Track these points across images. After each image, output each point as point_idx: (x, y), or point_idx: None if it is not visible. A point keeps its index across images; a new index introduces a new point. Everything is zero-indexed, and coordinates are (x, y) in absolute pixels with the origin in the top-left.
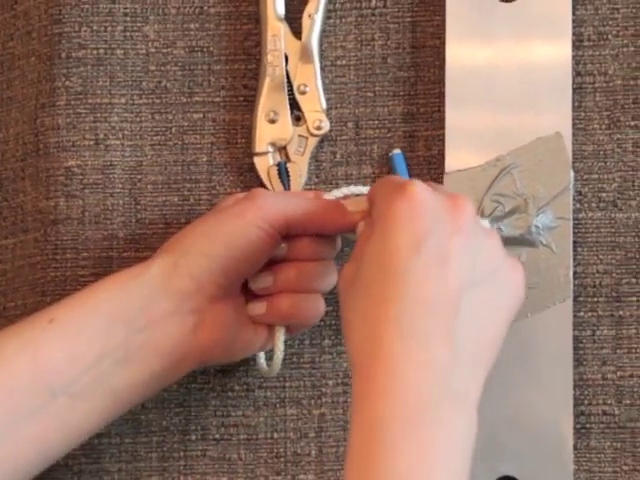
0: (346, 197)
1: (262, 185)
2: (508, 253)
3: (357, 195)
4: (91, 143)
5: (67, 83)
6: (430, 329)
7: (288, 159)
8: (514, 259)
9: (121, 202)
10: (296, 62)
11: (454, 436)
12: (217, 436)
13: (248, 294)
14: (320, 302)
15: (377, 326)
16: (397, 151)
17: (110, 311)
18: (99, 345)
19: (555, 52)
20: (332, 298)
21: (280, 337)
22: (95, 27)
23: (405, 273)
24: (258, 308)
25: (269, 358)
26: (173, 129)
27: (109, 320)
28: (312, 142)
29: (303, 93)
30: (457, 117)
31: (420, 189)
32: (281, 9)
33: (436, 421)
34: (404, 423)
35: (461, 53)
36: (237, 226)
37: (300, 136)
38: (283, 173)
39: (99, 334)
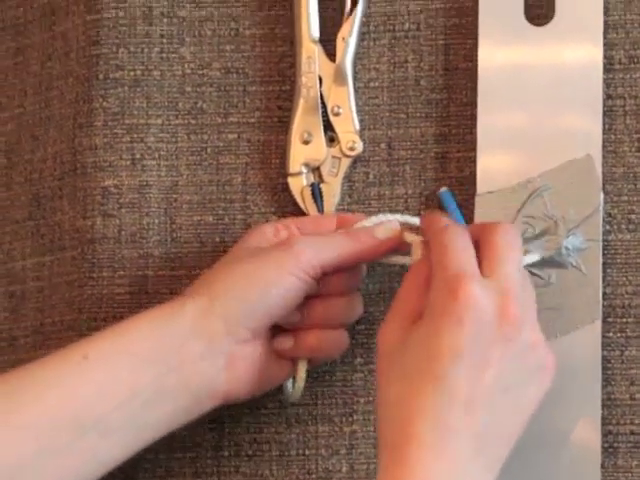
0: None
1: (296, 206)
2: (545, 344)
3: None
4: (128, 163)
5: (104, 104)
6: (460, 426)
7: (321, 180)
8: (548, 350)
9: (157, 221)
10: (330, 84)
11: None
12: (249, 452)
13: (274, 328)
14: (344, 337)
15: (411, 414)
16: (444, 189)
17: (142, 351)
18: (130, 384)
19: (587, 77)
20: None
21: (303, 368)
22: (132, 49)
23: (445, 374)
24: (286, 343)
25: (292, 386)
26: (208, 149)
27: (141, 360)
28: (345, 163)
29: (337, 114)
30: (489, 139)
31: (472, 293)
32: (315, 32)
33: None
34: None
35: (493, 76)
36: (274, 275)
37: (334, 157)
38: (317, 194)
39: (131, 373)
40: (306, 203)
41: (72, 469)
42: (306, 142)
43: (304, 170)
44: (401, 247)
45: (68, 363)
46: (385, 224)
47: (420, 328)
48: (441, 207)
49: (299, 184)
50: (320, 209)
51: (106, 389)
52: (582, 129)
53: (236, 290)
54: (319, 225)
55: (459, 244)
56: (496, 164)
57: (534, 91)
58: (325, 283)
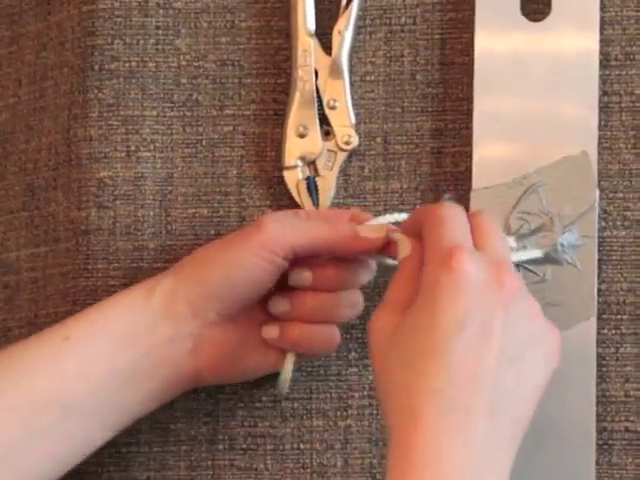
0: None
1: (291, 199)
2: (545, 319)
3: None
4: (123, 155)
5: (100, 95)
6: (471, 404)
7: (317, 173)
8: (552, 326)
9: (151, 213)
10: (326, 77)
11: None
12: (244, 446)
13: (268, 315)
14: (334, 334)
15: (417, 399)
16: (447, 196)
17: (119, 334)
18: (109, 365)
19: (583, 73)
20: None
21: (289, 361)
22: (128, 40)
23: (448, 350)
24: (271, 331)
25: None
26: (203, 142)
27: (118, 343)
28: (341, 157)
29: (332, 108)
30: (485, 134)
31: (467, 263)
32: (311, 25)
33: None
34: None
35: (489, 71)
36: (236, 255)
37: (329, 151)
38: (312, 187)
39: (110, 356)
40: (301, 197)
41: (57, 451)
42: (302, 135)
43: (300, 163)
44: (391, 251)
45: (50, 345)
46: (374, 224)
47: (415, 309)
48: None
49: (294, 177)
50: (315, 203)
51: (87, 370)
52: (578, 125)
53: (199, 272)
54: (333, 219)
55: (454, 218)
56: (492, 159)
57: (530, 86)
58: (317, 276)
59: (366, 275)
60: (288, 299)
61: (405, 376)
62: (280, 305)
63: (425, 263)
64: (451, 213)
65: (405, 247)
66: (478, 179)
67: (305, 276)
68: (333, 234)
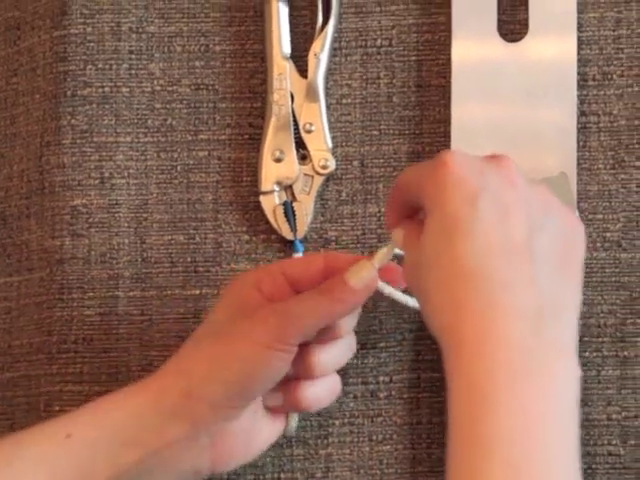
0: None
1: (267, 224)
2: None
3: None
4: (96, 182)
5: (72, 121)
6: (510, 276)
7: (294, 198)
8: (567, 208)
9: (127, 241)
10: (302, 101)
11: (557, 386)
12: (224, 476)
13: None
14: (337, 383)
15: (454, 287)
16: None
17: (124, 434)
18: (113, 465)
19: (560, 94)
20: None
21: (293, 421)
22: (100, 65)
23: (471, 229)
24: (275, 400)
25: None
26: (178, 167)
27: (123, 442)
28: (318, 181)
29: (309, 132)
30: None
31: (456, 154)
32: (287, 48)
33: (535, 373)
34: (503, 380)
35: (467, 93)
36: (249, 352)
37: (306, 175)
38: (289, 212)
39: (114, 455)
40: (278, 222)
41: None
42: (278, 160)
43: (276, 188)
44: (388, 278)
45: (53, 441)
46: (356, 264)
47: (427, 226)
48: None
49: (271, 203)
50: (293, 228)
51: (89, 471)
52: (557, 144)
53: (215, 372)
54: (307, 268)
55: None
56: None
57: (507, 106)
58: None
59: (353, 321)
60: (280, 392)
61: (437, 274)
62: (275, 399)
63: (421, 181)
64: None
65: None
66: None
67: (277, 397)
68: (334, 305)
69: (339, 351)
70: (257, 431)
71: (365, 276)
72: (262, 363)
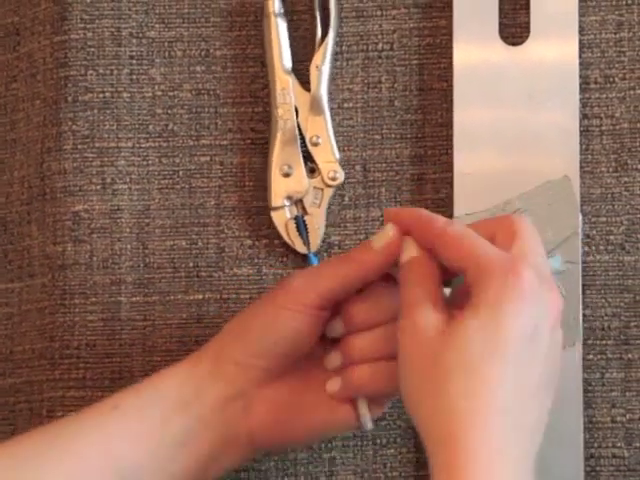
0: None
1: (270, 229)
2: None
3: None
4: (98, 187)
5: (74, 127)
6: (528, 419)
7: (305, 212)
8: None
9: (129, 246)
10: (306, 114)
11: None
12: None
13: (328, 372)
14: (391, 367)
15: (486, 406)
16: None
17: (166, 400)
18: (159, 431)
19: (562, 97)
20: None
21: (363, 407)
22: (101, 70)
23: (517, 357)
24: (333, 385)
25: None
26: (180, 172)
27: (166, 408)
28: (328, 193)
29: (316, 145)
30: (465, 161)
31: (531, 275)
32: (288, 62)
33: None
34: None
35: (469, 96)
36: (267, 312)
37: (315, 188)
38: (301, 227)
39: (159, 421)
40: (291, 236)
41: None
42: (286, 175)
43: (287, 203)
44: None
45: (100, 414)
46: (378, 231)
47: (477, 313)
48: None
49: (282, 218)
50: (305, 242)
51: (138, 436)
52: (560, 148)
53: (239, 333)
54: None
55: (470, 232)
56: (473, 185)
57: (510, 109)
58: (351, 316)
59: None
60: (338, 351)
61: (469, 384)
62: (332, 360)
63: (477, 275)
64: (462, 228)
65: (412, 247)
66: (459, 205)
67: (336, 326)
68: (355, 265)
69: (381, 336)
70: (308, 414)
71: (384, 234)
72: (277, 322)
